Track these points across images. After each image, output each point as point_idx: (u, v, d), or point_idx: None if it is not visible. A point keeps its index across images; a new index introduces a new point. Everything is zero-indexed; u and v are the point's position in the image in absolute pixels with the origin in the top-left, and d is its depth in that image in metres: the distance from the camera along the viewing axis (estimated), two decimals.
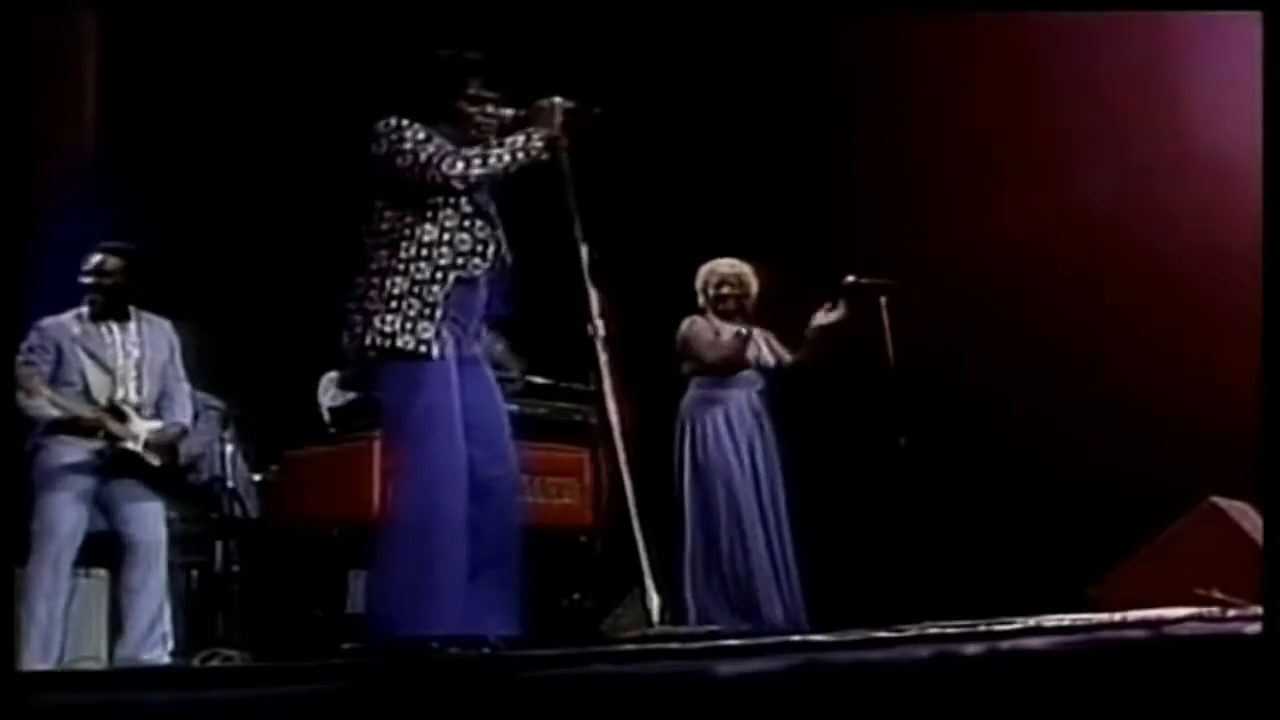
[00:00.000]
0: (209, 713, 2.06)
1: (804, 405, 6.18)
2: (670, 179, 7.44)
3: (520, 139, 4.10)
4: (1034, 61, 6.75)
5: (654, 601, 4.12)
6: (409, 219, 4.06)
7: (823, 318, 5.89)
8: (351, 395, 5.74)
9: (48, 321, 5.31)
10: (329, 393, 5.96)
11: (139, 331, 5.42)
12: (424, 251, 4.03)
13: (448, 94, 4.22)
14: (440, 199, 4.06)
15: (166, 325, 5.52)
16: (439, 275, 4.02)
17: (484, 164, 4.04)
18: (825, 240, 6.88)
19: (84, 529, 5.20)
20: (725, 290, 6.02)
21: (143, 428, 5.31)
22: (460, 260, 4.05)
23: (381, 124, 4.10)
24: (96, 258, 5.38)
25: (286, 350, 6.47)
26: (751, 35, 7.41)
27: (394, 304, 3.99)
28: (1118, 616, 3.77)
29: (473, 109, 4.21)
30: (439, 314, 3.99)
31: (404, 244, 4.05)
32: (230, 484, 5.94)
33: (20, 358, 5.19)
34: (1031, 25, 6.61)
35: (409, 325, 3.97)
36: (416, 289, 4.00)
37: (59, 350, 5.26)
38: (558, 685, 2.04)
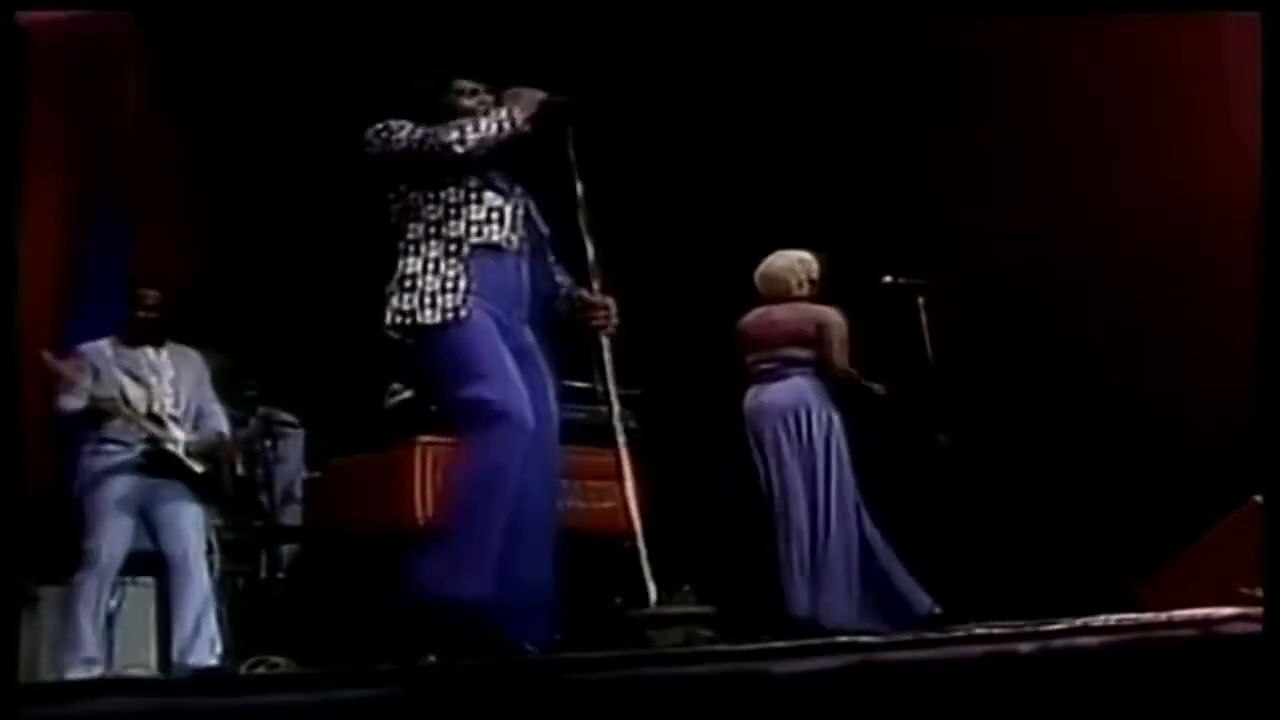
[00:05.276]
0: (256, 718, 2.07)
1: (845, 405, 6.15)
2: (698, 175, 7.41)
3: (504, 111, 4.02)
4: (1076, 61, 6.70)
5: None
6: (413, 203, 3.99)
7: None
8: (403, 395, 5.71)
9: (85, 346, 5.53)
10: (391, 397, 5.94)
11: (170, 356, 5.62)
12: (432, 230, 3.96)
13: (437, 94, 4.18)
14: (442, 179, 4.00)
15: (195, 354, 5.72)
16: (453, 249, 3.92)
17: (475, 129, 3.96)
18: (862, 239, 6.85)
19: (129, 540, 5.32)
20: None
21: (181, 435, 5.48)
22: (475, 228, 3.96)
23: (371, 129, 4.06)
24: (140, 289, 5.59)
25: (338, 360, 6.49)
26: (787, 31, 7.38)
27: (408, 283, 3.91)
28: (1164, 616, 3.74)
29: (462, 100, 4.16)
30: (462, 285, 3.86)
31: (411, 225, 3.98)
32: (274, 491, 5.98)
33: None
34: (1078, 24, 6.55)
35: (428, 300, 3.86)
36: (432, 265, 3.90)
37: (96, 369, 5.44)
38: (609, 688, 2.03)
